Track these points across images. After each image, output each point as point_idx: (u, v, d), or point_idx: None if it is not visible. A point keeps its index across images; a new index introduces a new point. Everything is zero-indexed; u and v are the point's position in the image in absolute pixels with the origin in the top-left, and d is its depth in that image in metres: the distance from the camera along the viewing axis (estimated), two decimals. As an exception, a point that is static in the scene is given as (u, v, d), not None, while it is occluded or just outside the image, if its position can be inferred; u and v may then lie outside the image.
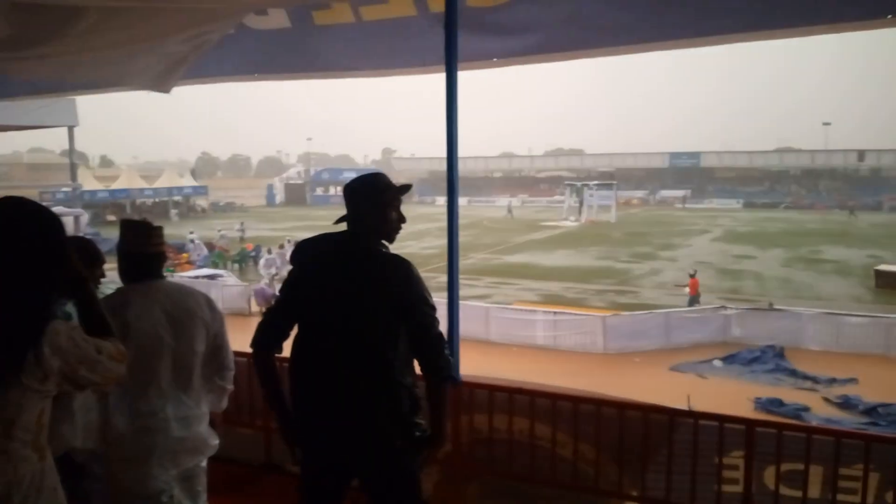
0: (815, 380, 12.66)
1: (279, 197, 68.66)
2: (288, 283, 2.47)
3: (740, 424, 3.41)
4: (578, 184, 49.70)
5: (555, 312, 16.18)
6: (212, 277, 20.04)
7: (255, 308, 18.18)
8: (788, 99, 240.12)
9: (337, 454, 2.39)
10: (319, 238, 2.47)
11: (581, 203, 47.02)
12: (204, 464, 2.77)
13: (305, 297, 2.39)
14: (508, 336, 15.40)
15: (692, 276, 19.45)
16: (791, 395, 11.73)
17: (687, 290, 19.10)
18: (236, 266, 27.19)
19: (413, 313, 2.36)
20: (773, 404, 10.96)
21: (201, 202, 57.79)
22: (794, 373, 13.04)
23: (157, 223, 2.74)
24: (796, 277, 24.38)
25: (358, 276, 2.35)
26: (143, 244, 2.63)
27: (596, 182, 50.13)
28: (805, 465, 3.24)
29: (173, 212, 48.90)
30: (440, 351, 2.39)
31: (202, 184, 61.79)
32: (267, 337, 2.43)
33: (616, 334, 15.09)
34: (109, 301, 2.57)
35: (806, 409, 10.94)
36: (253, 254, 27.84)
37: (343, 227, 2.45)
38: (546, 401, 3.81)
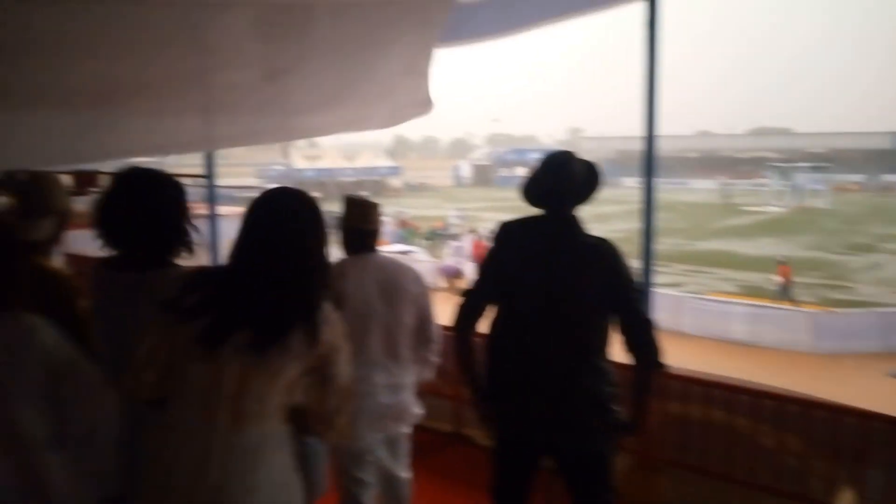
0: None
1: (466, 177, 70.27)
2: (490, 264, 2.50)
3: None
4: (785, 165, 45.42)
5: (755, 305, 15.04)
6: (404, 253, 21.06)
7: (442, 284, 18.87)
8: None
9: (533, 433, 2.41)
10: (524, 220, 2.47)
11: (789, 187, 42.95)
12: (407, 430, 2.91)
13: (509, 279, 2.42)
14: (702, 328, 14.59)
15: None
16: None
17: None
18: (426, 243, 28.36)
19: (624, 299, 2.34)
20: None
21: (395, 181, 60.85)
22: None
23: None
24: None
25: (568, 259, 2.35)
26: (361, 220, 2.80)
27: (806, 164, 45.45)
28: None
29: (364, 192, 51.64)
30: (652, 337, 2.36)
31: (397, 164, 64.98)
32: (468, 319, 2.49)
33: (826, 333, 13.69)
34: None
35: None
36: (442, 231, 28.88)
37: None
38: (746, 397, 3.60)
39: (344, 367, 1.77)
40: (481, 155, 76.49)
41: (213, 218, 5.00)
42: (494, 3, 3.90)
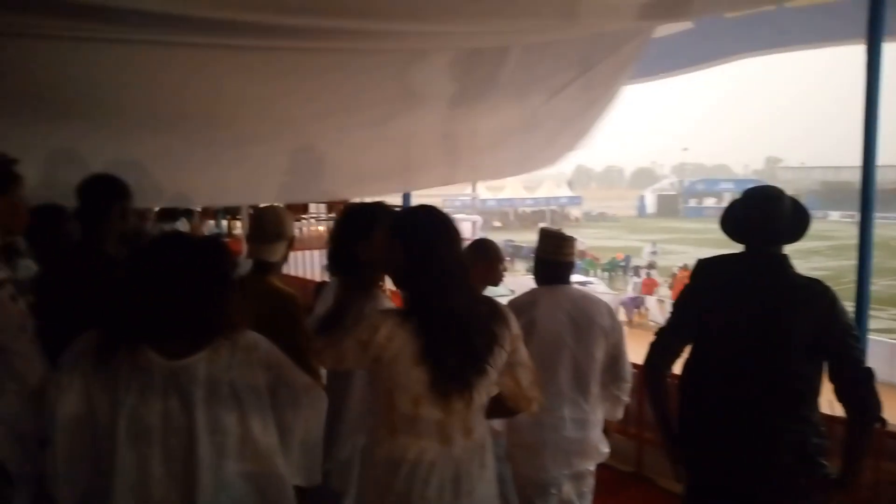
0: None
1: (650, 208, 67.89)
2: (686, 303, 2.42)
3: None
4: None
5: None
6: (582, 284, 20.74)
7: (624, 318, 18.32)
8: None
9: (731, 483, 2.27)
10: (725, 258, 2.36)
11: None
12: (593, 467, 2.87)
13: (709, 319, 2.31)
14: (924, 381, 12.78)
15: None
16: None
17: None
18: (606, 274, 27.73)
19: (839, 345, 2.17)
20: None
21: (574, 211, 60.30)
22: None
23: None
24: None
25: (775, 300, 2.21)
26: (555, 252, 2.84)
27: None
28: None
29: (541, 223, 51.73)
30: (871, 388, 2.17)
31: (577, 194, 64.43)
32: (661, 358, 2.42)
33: None
34: (519, 299, 2.85)
35: None
36: (622, 263, 28.11)
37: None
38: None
39: (524, 347, 1.96)
40: (668, 185, 73.44)
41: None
42: (690, 36, 3.82)
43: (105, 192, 2.52)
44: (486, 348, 1.82)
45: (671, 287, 20.66)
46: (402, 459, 1.80)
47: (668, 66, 4.33)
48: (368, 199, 2.99)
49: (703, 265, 2.41)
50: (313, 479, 1.82)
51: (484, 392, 1.85)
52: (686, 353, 2.42)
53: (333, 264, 2.42)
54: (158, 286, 1.60)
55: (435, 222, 1.86)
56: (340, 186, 4.08)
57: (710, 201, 62.47)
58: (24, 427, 1.78)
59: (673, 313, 2.47)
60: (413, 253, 1.81)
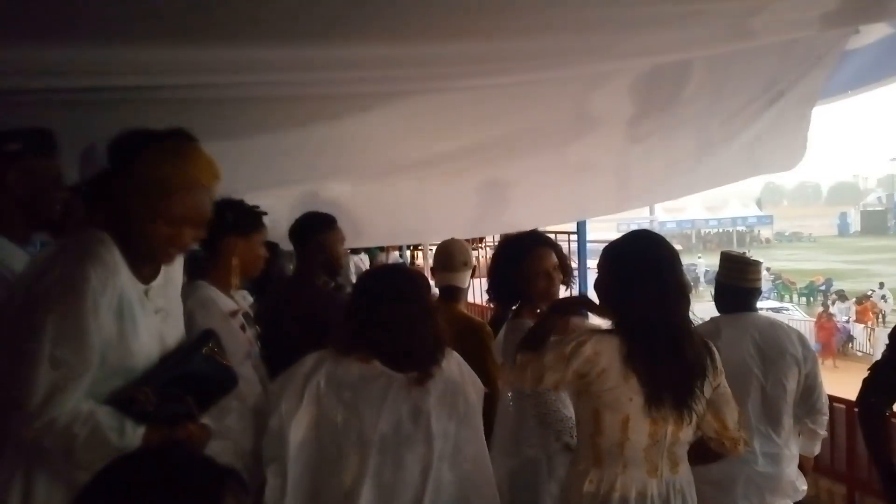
0: None
1: (854, 226, 61.36)
2: None
3: None
4: None
5: None
6: (776, 310, 19.23)
7: (825, 347, 16.63)
8: None
9: None
10: None
11: None
12: None
13: None
14: None
15: None
16: None
17: None
18: (803, 299, 25.46)
19: None
20: None
21: (765, 232, 56.09)
22: None
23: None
24: None
25: None
26: (739, 278, 2.73)
27: None
28: None
29: (731, 244, 48.40)
30: None
31: (767, 213, 59.99)
32: (876, 393, 2.24)
33: None
34: (701, 329, 2.74)
35: None
36: (822, 287, 25.64)
37: None
38: None
39: (728, 386, 1.89)
40: (874, 200, 65.97)
41: (582, 270, 5.34)
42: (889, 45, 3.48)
43: (313, 226, 2.77)
44: (697, 375, 1.78)
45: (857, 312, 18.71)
46: (611, 490, 1.77)
47: (864, 80, 3.95)
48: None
49: None
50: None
51: (692, 420, 1.79)
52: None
53: (493, 292, 2.53)
54: (397, 307, 1.74)
55: (643, 244, 1.88)
56: (521, 218, 4.19)
57: (926, 216, 55.42)
58: (245, 443, 1.98)
59: (890, 346, 2.25)
60: (623, 274, 1.82)
